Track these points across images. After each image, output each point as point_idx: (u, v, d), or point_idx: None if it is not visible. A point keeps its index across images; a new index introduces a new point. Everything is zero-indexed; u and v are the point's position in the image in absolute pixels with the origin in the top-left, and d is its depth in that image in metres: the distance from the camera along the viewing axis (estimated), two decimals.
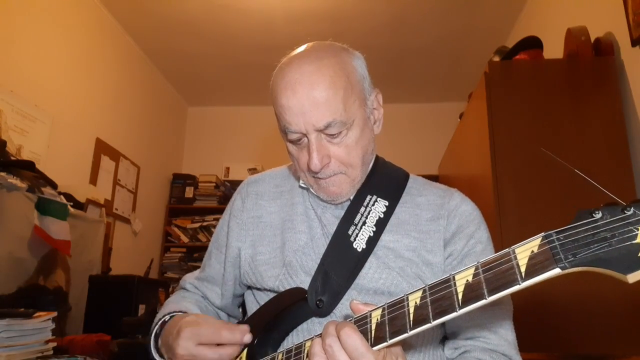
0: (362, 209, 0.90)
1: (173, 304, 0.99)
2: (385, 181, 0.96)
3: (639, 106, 1.86)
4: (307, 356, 0.71)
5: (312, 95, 0.80)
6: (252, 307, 0.98)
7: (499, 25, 3.48)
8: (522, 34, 2.45)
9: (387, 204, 0.92)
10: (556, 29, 2.41)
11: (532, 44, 2.16)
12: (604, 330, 1.65)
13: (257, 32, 3.66)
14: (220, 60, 4.10)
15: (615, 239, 0.48)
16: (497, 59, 2.29)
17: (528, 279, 0.51)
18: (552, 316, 1.69)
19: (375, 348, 0.61)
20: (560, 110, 1.90)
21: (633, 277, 0.47)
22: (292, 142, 0.87)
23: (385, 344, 0.60)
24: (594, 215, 0.50)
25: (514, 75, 2.02)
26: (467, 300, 0.55)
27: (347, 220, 0.90)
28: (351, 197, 0.92)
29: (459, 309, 0.55)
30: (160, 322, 0.91)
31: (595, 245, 0.49)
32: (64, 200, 2.25)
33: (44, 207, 2.08)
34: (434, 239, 0.89)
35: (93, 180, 3.32)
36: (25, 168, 2.13)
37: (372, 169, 0.95)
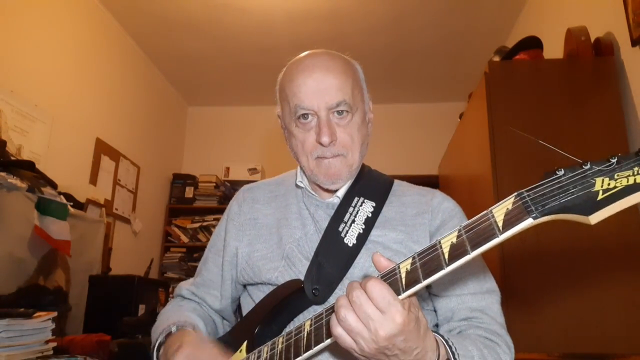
0: (351, 209, 0.97)
1: (171, 313, 1.01)
2: (372, 185, 1.02)
3: (639, 106, 1.87)
4: (310, 338, 0.71)
5: (327, 77, 0.92)
6: (248, 309, 0.99)
7: (499, 25, 3.48)
8: (522, 34, 2.45)
9: (374, 204, 0.98)
10: (556, 29, 2.41)
11: (532, 44, 2.16)
12: (604, 330, 1.65)
13: (257, 32, 3.65)
14: (220, 60, 4.10)
15: (577, 188, 0.55)
16: (497, 59, 2.29)
17: (505, 231, 0.57)
18: (552, 316, 1.68)
19: (401, 297, 0.62)
20: (560, 110, 1.90)
21: (594, 218, 0.53)
22: (299, 122, 0.93)
23: (413, 289, 0.62)
24: (557, 172, 0.58)
25: (514, 75, 2.02)
26: (452, 258, 0.60)
27: (337, 218, 0.96)
28: (340, 196, 0.98)
29: (447, 266, 0.60)
30: (166, 332, 0.92)
31: (561, 196, 0.56)
32: (64, 200, 2.25)
33: (44, 207, 2.08)
34: (420, 231, 0.96)
35: (93, 180, 3.32)
36: (25, 168, 2.14)
37: (358, 175, 1.02)
